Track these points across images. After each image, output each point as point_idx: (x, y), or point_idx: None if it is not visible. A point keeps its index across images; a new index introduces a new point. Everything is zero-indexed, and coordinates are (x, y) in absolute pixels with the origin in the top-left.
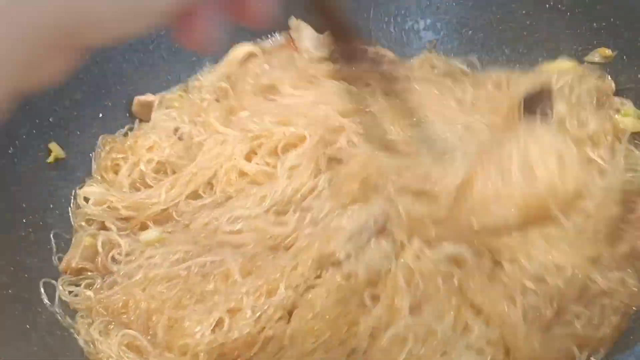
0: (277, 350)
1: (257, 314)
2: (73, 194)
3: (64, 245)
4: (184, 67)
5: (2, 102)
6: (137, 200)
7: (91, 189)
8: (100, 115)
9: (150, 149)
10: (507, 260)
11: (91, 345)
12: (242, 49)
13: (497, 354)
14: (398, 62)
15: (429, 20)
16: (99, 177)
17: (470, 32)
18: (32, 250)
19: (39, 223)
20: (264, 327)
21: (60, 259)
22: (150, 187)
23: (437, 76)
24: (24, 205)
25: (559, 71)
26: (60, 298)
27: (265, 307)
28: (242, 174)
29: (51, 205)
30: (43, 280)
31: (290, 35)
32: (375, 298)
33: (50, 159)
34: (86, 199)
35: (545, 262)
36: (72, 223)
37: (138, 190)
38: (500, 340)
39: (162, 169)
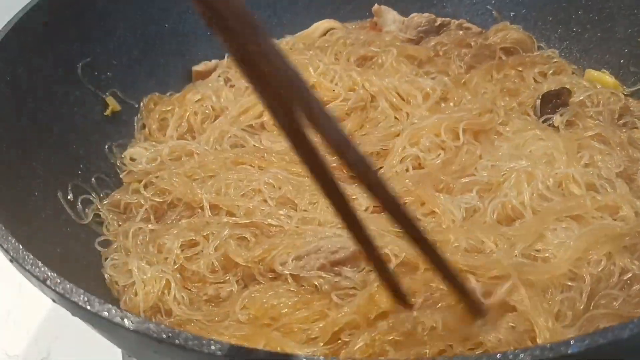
0: None
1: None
2: (112, 147)
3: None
4: None
5: None
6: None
7: (136, 150)
8: (155, 73)
9: (199, 101)
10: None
11: None
12: (323, 24)
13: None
14: (482, 34)
15: None
16: (145, 135)
17: (523, 10)
18: (83, 191)
19: (92, 169)
20: None
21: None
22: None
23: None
24: (80, 152)
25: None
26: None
27: None
28: None
29: (104, 154)
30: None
31: (374, 20)
32: None
33: (107, 112)
34: (132, 159)
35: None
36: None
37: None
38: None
39: (210, 116)
